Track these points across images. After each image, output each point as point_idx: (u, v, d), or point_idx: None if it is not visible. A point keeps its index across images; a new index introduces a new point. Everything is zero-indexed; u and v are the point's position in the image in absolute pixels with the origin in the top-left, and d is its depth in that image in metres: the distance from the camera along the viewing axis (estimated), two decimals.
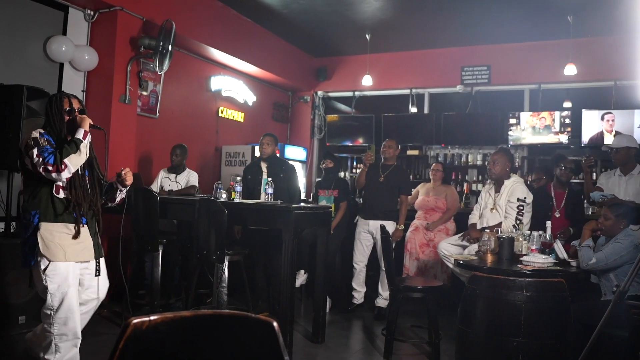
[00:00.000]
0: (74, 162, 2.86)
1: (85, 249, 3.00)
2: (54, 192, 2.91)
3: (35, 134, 2.89)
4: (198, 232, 4.27)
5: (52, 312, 2.87)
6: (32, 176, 2.90)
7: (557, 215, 5.04)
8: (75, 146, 2.88)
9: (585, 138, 7.09)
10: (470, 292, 3.50)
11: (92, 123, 3.03)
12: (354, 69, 8.59)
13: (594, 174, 6.75)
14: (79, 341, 2.99)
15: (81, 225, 2.96)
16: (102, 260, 3.13)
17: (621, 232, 3.68)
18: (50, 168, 2.78)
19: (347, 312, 5.42)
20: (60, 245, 2.88)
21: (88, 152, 2.98)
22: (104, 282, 3.17)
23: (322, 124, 9.18)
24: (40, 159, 2.79)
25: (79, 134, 2.95)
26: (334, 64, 8.96)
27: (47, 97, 4.46)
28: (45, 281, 2.84)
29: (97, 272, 3.08)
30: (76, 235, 2.93)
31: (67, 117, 3.01)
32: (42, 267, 2.84)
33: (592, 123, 7.05)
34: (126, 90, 5.55)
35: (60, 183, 2.92)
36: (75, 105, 3.05)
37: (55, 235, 2.88)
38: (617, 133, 6.56)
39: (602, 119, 6.96)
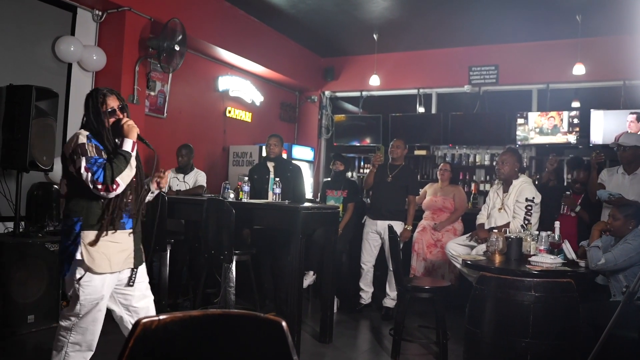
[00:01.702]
0: (126, 179, 2.63)
1: (128, 257, 2.79)
2: (99, 201, 2.69)
3: (82, 138, 2.62)
4: (206, 232, 4.28)
5: (75, 320, 2.70)
6: (75, 181, 2.65)
7: (572, 214, 5.02)
8: (126, 161, 2.62)
9: (595, 138, 7.03)
10: (478, 293, 3.49)
11: (139, 133, 2.77)
12: (362, 68, 8.58)
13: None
14: (91, 354, 2.82)
15: (126, 230, 2.77)
16: (141, 268, 2.92)
17: (630, 233, 3.65)
18: (99, 187, 2.54)
19: (355, 312, 5.42)
20: (105, 254, 2.67)
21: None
22: (146, 288, 2.98)
23: (329, 124, 9.18)
24: (89, 175, 2.54)
25: (127, 146, 2.67)
26: (342, 64, 8.95)
27: (55, 97, 4.54)
28: (78, 290, 2.65)
29: (131, 282, 2.85)
30: (119, 243, 2.74)
31: (110, 120, 2.72)
32: (78, 276, 2.63)
33: (600, 122, 7.00)
34: (134, 91, 5.57)
35: None
36: (114, 103, 2.75)
37: (100, 244, 2.66)
38: None
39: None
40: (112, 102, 2.74)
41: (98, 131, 2.69)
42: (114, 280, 2.77)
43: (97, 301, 2.70)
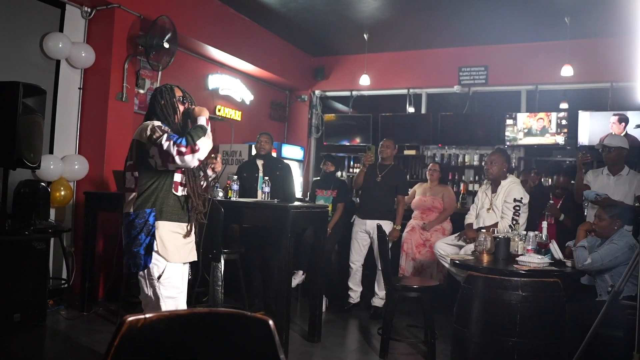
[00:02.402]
0: (205, 146, 2.63)
1: (192, 250, 2.83)
2: (173, 189, 2.73)
3: (157, 123, 2.70)
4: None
5: None
6: (149, 172, 2.69)
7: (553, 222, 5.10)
8: (203, 130, 2.66)
9: (582, 139, 7.08)
10: (466, 292, 3.51)
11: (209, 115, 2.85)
12: (352, 68, 8.59)
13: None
14: None
15: (189, 223, 2.80)
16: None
17: (616, 233, 3.69)
18: (183, 150, 2.54)
19: (344, 312, 5.42)
20: (176, 245, 2.71)
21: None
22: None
23: (319, 123, 9.18)
24: (171, 142, 2.55)
25: (202, 122, 2.74)
26: (332, 64, 8.96)
27: (43, 93, 4.49)
28: (159, 289, 2.66)
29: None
30: (187, 235, 2.77)
31: (182, 106, 2.84)
32: (157, 273, 2.65)
33: (587, 123, 7.06)
34: (123, 88, 5.54)
35: (178, 179, 2.74)
36: (179, 94, 2.88)
37: (170, 235, 2.70)
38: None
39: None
40: (178, 94, 2.88)
41: (170, 120, 2.79)
42: (184, 271, 2.80)
43: (179, 296, 2.73)
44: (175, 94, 2.84)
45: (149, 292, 2.69)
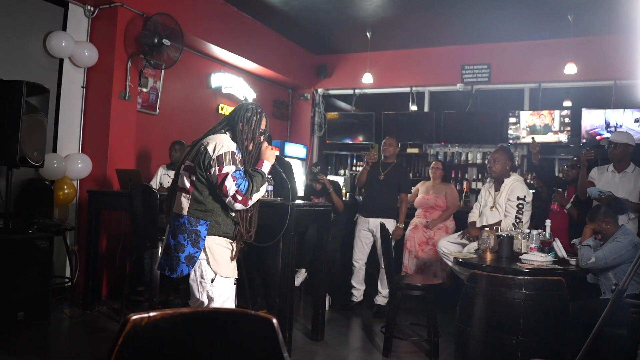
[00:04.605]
0: (256, 199, 2.73)
1: (235, 267, 2.84)
2: (229, 209, 2.75)
3: (233, 147, 2.68)
4: None
5: None
6: (209, 183, 2.69)
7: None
8: (263, 181, 2.73)
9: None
10: (469, 290, 3.51)
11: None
12: (355, 66, 8.58)
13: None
14: None
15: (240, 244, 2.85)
16: None
17: (619, 231, 3.68)
18: (239, 197, 2.61)
19: (347, 310, 5.42)
20: (226, 260, 2.74)
21: None
22: None
23: (322, 122, 9.17)
24: (233, 184, 2.60)
25: (266, 168, 2.79)
26: (335, 62, 8.95)
27: (46, 92, 4.49)
28: (212, 292, 2.68)
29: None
30: (232, 253, 2.79)
31: (259, 139, 2.83)
32: (210, 277, 2.67)
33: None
34: (126, 87, 5.54)
35: None
36: (263, 126, 2.85)
37: (221, 249, 2.72)
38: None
39: None
40: (263, 126, 2.85)
41: (244, 145, 2.78)
42: (232, 286, 2.82)
43: (230, 304, 2.75)
44: (262, 125, 2.83)
45: (202, 296, 2.69)
